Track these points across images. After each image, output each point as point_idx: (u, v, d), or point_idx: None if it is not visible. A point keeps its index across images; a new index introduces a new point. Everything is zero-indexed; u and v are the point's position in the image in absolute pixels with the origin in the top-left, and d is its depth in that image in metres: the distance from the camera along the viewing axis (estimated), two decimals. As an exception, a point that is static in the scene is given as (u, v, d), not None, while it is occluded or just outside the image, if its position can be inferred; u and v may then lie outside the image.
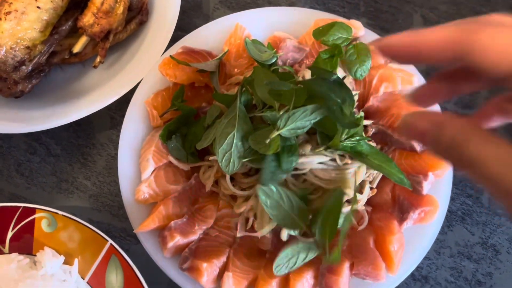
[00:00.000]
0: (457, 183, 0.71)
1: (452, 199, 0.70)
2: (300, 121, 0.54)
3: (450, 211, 0.70)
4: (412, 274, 0.67)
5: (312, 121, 0.55)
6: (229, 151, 0.58)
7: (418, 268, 0.68)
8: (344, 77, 0.58)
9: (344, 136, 0.57)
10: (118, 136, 0.74)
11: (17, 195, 0.71)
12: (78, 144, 0.74)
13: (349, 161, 0.60)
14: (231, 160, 0.58)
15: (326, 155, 0.60)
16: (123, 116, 0.69)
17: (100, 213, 0.70)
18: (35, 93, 0.74)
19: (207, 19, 0.79)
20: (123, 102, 0.76)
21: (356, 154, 0.58)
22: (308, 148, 0.59)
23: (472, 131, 0.28)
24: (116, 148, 0.74)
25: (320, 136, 0.58)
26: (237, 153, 0.58)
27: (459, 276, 0.68)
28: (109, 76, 0.76)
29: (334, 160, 0.60)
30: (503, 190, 0.26)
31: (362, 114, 0.64)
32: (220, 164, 0.58)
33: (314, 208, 0.58)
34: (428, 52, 0.29)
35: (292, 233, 0.57)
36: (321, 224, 0.54)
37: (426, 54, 0.29)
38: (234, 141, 0.58)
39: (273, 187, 0.54)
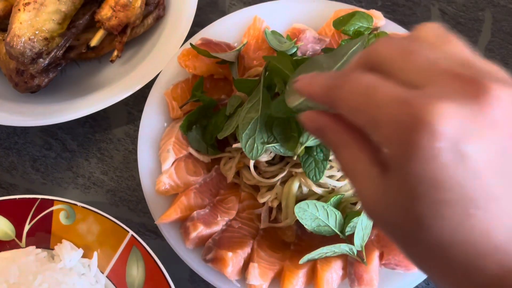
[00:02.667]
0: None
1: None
2: None
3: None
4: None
5: None
6: (252, 136, 0.56)
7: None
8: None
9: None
10: (135, 131, 0.73)
11: (32, 190, 0.70)
12: (95, 139, 0.73)
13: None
14: (255, 145, 0.56)
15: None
16: (140, 111, 0.68)
17: (118, 208, 0.69)
18: (51, 89, 0.73)
19: (223, 15, 0.79)
20: (140, 97, 0.75)
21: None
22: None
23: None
24: (133, 143, 0.73)
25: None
26: (261, 139, 0.56)
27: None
28: (125, 71, 0.75)
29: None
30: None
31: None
32: (244, 150, 0.56)
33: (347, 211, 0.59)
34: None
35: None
36: (356, 231, 0.55)
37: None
38: (258, 126, 0.56)
39: (308, 202, 0.56)
